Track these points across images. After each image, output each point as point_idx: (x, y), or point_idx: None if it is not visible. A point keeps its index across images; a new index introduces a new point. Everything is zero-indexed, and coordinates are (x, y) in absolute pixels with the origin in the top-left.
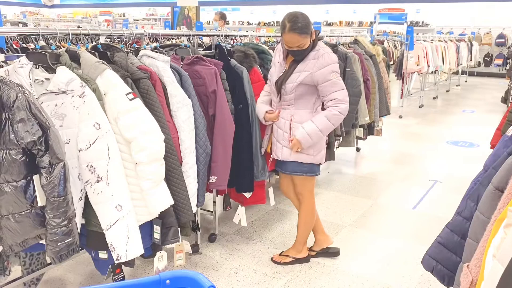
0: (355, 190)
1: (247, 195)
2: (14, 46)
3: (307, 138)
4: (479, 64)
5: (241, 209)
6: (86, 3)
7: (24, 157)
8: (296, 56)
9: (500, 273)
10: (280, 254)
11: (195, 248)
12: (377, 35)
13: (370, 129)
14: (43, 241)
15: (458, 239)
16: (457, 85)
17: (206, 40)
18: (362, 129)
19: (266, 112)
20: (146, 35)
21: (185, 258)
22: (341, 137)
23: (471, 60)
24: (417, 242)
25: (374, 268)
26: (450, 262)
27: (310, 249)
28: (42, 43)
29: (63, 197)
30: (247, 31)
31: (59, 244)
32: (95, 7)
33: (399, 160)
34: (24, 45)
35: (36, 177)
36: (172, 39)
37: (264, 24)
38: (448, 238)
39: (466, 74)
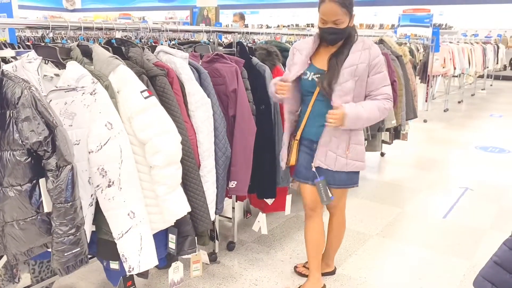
0: (381, 197)
1: (269, 201)
2: (27, 43)
3: (355, 119)
4: (505, 68)
5: (261, 216)
6: (106, 7)
7: (29, 159)
8: (329, 36)
9: None
10: (304, 266)
11: (213, 257)
12: (399, 38)
13: (396, 133)
14: (50, 250)
15: None
16: (482, 89)
17: (225, 40)
18: (388, 132)
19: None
20: (163, 30)
21: (202, 268)
22: (366, 141)
23: (497, 63)
24: (450, 254)
25: (404, 281)
26: (509, 286)
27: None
28: (58, 42)
29: (70, 203)
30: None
31: (66, 254)
32: (115, 11)
33: (426, 166)
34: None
35: (42, 181)
36: (191, 38)
37: (284, 27)
38: (506, 257)
39: (491, 78)
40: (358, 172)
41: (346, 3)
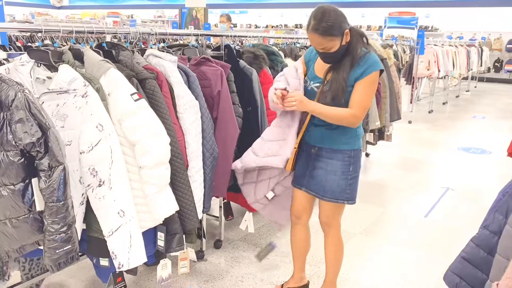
0: (365, 197)
1: None
2: (18, 44)
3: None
4: (489, 70)
5: (248, 215)
6: (94, 5)
7: (23, 159)
8: (323, 58)
9: None
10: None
11: (200, 255)
12: (386, 39)
13: (380, 134)
14: (41, 247)
15: (485, 255)
16: (466, 91)
17: (213, 41)
18: (372, 134)
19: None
20: (153, 34)
21: (189, 265)
22: None
23: (481, 65)
24: (430, 252)
25: (385, 278)
26: (476, 280)
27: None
28: (47, 42)
29: (62, 202)
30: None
31: (57, 251)
32: (103, 9)
33: (409, 166)
34: (29, 44)
35: (34, 181)
36: (180, 39)
37: (272, 27)
38: (474, 253)
39: (475, 80)
40: (354, 186)
41: (330, 30)
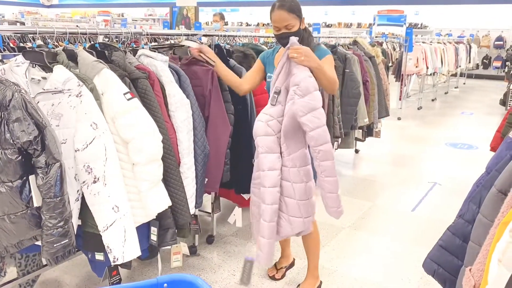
0: (354, 192)
1: (246, 196)
2: (11, 45)
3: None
4: (477, 67)
5: (237, 210)
6: (84, 3)
7: (20, 157)
8: (284, 41)
9: (507, 279)
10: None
11: (193, 250)
12: (376, 37)
13: (369, 131)
14: (39, 242)
15: (460, 243)
16: (455, 87)
17: (204, 40)
18: (361, 130)
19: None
20: (144, 35)
21: (182, 260)
22: (340, 139)
23: (469, 62)
24: (416, 245)
25: (373, 270)
26: (452, 266)
27: (279, 267)
28: (39, 42)
29: (59, 198)
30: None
31: (55, 245)
32: (93, 7)
33: (397, 162)
34: (21, 44)
35: (32, 178)
36: (171, 39)
37: (263, 25)
38: (450, 241)
39: (464, 76)
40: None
41: (294, 9)
